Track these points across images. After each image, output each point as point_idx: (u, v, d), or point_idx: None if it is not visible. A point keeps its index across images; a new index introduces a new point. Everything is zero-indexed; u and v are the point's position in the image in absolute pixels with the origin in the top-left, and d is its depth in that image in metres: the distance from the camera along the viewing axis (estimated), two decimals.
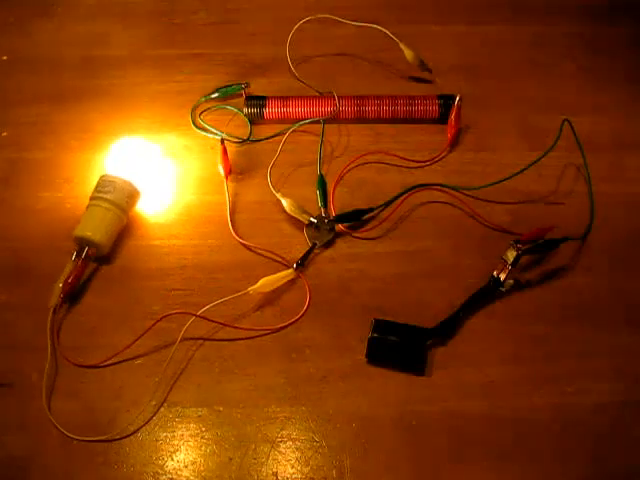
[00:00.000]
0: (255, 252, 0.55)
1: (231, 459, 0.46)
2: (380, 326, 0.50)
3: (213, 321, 0.51)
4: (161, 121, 0.64)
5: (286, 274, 0.53)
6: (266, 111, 0.63)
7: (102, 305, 0.52)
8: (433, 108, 0.63)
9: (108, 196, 0.54)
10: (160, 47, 0.70)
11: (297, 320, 0.52)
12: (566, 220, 0.57)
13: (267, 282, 0.52)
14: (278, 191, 0.58)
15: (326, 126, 0.62)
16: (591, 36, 0.73)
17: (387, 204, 0.57)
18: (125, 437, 0.46)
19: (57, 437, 0.46)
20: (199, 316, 0.50)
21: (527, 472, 0.46)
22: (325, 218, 0.56)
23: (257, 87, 0.66)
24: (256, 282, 0.52)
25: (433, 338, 0.50)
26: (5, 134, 0.63)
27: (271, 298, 0.53)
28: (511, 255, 0.51)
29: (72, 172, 0.60)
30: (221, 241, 0.56)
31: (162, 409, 0.48)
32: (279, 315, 0.52)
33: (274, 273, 0.53)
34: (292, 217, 0.57)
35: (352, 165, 0.61)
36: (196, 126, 0.63)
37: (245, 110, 0.64)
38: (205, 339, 0.51)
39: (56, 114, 0.64)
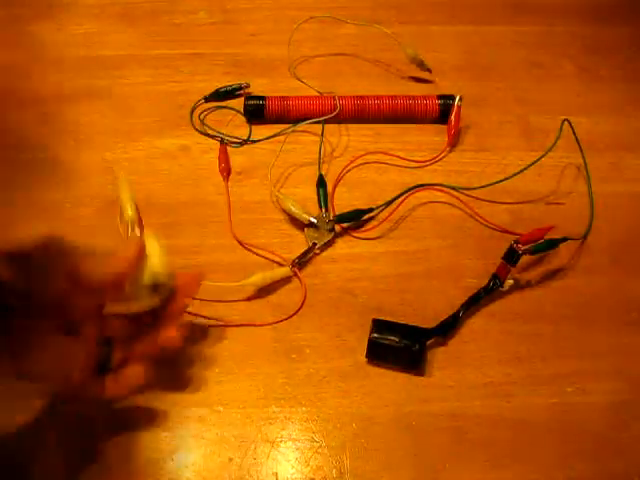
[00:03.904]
0: (255, 252, 0.55)
1: (231, 459, 0.46)
2: (380, 326, 0.50)
3: (201, 315, 0.51)
4: (161, 121, 0.64)
5: (281, 271, 0.53)
6: (266, 111, 0.63)
7: None
8: (433, 108, 0.63)
9: None
10: (160, 47, 0.70)
11: (291, 316, 0.52)
12: (566, 220, 0.57)
13: (261, 277, 0.52)
14: (278, 191, 0.58)
15: (326, 126, 0.62)
16: (591, 36, 0.73)
17: (387, 204, 0.57)
18: (125, 437, 0.46)
19: (57, 437, 0.46)
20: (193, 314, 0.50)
21: (527, 472, 0.46)
22: (325, 218, 0.56)
23: (257, 87, 0.66)
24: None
25: (433, 338, 0.50)
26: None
27: (270, 299, 0.53)
28: (511, 255, 0.51)
29: (72, 172, 0.60)
30: (221, 241, 0.56)
31: (162, 409, 0.48)
32: (279, 316, 0.52)
33: None
34: (292, 217, 0.57)
35: (352, 165, 0.61)
36: (196, 126, 0.63)
37: (245, 110, 0.64)
38: (205, 338, 0.51)
39: (56, 114, 0.64)
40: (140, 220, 0.48)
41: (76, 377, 0.41)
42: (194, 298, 0.50)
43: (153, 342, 0.44)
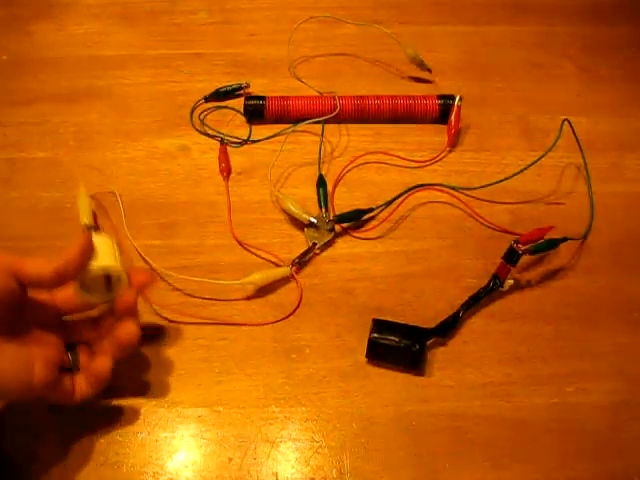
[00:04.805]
0: (255, 252, 0.55)
1: (231, 459, 0.46)
2: (380, 326, 0.50)
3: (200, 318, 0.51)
4: (161, 121, 0.64)
5: (281, 271, 0.53)
6: (266, 111, 0.63)
7: None
8: (433, 108, 0.63)
9: None
10: (160, 47, 0.70)
11: (288, 316, 0.52)
12: (566, 220, 0.57)
13: (260, 276, 0.52)
14: (278, 191, 0.58)
15: (326, 126, 0.62)
16: (591, 36, 0.73)
17: (387, 204, 0.57)
18: (125, 437, 0.46)
19: (57, 436, 0.46)
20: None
21: (527, 472, 0.46)
22: (325, 218, 0.56)
23: (257, 87, 0.66)
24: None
25: (433, 338, 0.50)
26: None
27: (270, 298, 0.53)
28: (511, 255, 0.51)
29: (72, 172, 0.60)
30: (221, 241, 0.56)
31: (162, 409, 0.48)
32: (279, 316, 0.52)
33: None
34: (292, 217, 0.57)
35: (352, 165, 0.61)
36: (195, 126, 0.63)
37: (245, 110, 0.64)
38: (204, 332, 0.51)
39: (56, 114, 0.64)
40: (96, 223, 0.55)
41: (37, 384, 0.40)
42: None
43: (114, 340, 0.44)
